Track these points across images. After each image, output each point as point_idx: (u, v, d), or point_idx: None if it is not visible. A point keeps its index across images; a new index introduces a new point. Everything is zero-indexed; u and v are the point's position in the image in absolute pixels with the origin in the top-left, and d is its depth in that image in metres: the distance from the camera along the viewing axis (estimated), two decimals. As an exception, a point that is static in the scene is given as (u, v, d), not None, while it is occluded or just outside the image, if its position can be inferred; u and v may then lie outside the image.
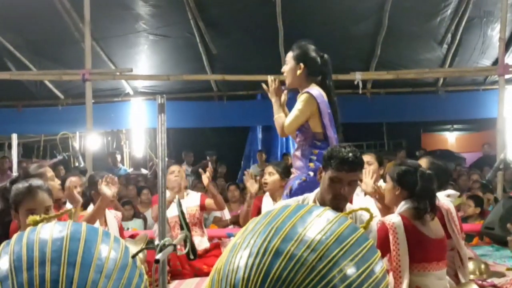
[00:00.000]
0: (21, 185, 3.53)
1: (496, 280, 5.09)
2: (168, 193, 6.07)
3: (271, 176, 5.73)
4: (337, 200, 3.30)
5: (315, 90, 4.36)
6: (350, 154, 3.27)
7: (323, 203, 3.31)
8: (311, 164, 4.23)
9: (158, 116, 2.74)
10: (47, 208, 3.46)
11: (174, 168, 6.30)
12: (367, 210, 2.50)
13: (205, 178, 6.04)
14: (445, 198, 4.48)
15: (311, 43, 4.62)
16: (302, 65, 4.48)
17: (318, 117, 4.33)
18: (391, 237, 3.52)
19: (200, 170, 6.57)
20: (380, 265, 2.24)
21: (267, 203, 5.76)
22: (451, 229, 4.32)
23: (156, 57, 11.38)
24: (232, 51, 10.86)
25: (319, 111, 4.32)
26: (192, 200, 6.21)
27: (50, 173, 4.71)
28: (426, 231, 3.67)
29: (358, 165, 3.34)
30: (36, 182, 3.58)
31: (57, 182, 4.90)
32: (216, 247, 5.95)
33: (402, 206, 3.77)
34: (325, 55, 4.56)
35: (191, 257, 2.69)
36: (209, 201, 6.15)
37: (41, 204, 3.45)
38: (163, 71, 11.13)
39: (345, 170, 3.27)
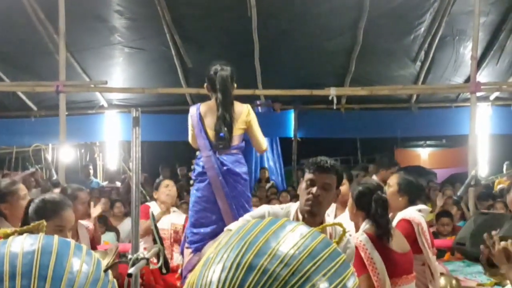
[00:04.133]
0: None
1: (467, 296, 5.15)
2: (156, 206, 6.13)
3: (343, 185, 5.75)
4: (309, 201, 3.34)
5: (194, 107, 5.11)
6: (324, 159, 3.39)
7: (301, 211, 3.38)
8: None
9: (133, 129, 2.73)
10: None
11: (168, 182, 6.37)
12: (340, 225, 2.51)
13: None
14: (416, 213, 4.52)
15: (221, 62, 5.13)
16: (205, 85, 5.14)
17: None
18: (363, 255, 3.52)
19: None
20: (352, 280, 2.24)
21: None
22: (422, 244, 4.35)
23: (131, 70, 11.35)
24: (208, 65, 10.84)
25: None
26: (178, 218, 6.24)
27: (23, 191, 4.52)
28: (392, 246, 3.70)
29: (330, 168, 3.38)
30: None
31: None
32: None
33: (365, 225, 3.81)
34: (220, 71, 4.99)
35: (164, 271, 2.68)
36: None
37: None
38: (138, 84, 11.10)
39: (317, 171, 3.35)
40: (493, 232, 3.24)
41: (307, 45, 10.43)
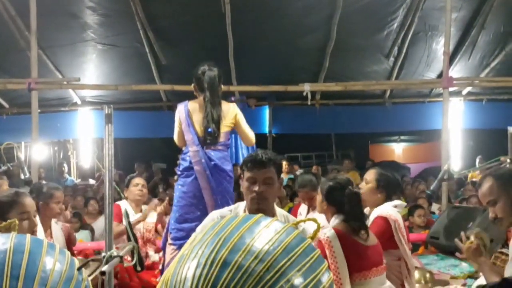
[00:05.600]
0: None
1: (440, 289, 5.21)
2: (127, 204, 6.03)
3: None
4: (255, 199, 3.37)
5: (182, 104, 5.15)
6: (259, 153, 3.43)
7: (250, 210, 3.41)
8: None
9: (105, 126, 2.72)
10: None
11: (138, 180, 6.25)
12: (315, 220, 2.52)
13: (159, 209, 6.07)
14: (393, 209, 4.53)
15: (208, 63, 5.16)
16: (193, 85, 5.18)
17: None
18: (327, 251, 3.51)
19: (157, 201, 6.57)
20: (327, 275, 2.25)
21: None
22: (399, 240, 4.37)
23: (105, 67, 11.25)
24: (182, 61, 10.81)
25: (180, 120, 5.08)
26: (150, 217, 6.15)
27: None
28: (360, 240, 3.70)
29: (268, 163, 3.40)
30: None
31: None
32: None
33: (334, 220, 3.80)
34: (207, 72, 5.06)
35: (138, 268, 2.67)
36: (160, 229, 6.16)
37: None
38: (111, 80, 11.00)
39: (256, 168, 3.38)
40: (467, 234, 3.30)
41: (281, 41, 10.44)
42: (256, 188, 3.36)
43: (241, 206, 3.57)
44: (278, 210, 3.59)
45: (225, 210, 3.67)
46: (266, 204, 3.41)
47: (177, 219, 4.96)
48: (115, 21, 10.12)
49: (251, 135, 5.24)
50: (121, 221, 5.62)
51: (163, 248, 5.17)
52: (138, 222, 5.91)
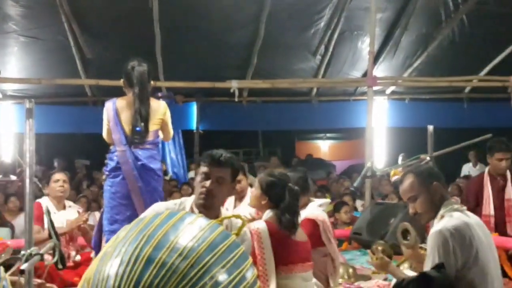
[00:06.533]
0: None
1: (362, 284, 5.32)
2: (48, 201, 5.77)
3: (240, 182, 5.41)
4: (203, 195, 3.34)
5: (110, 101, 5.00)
6: (220, 152, 3.41)
7: (196, 205, 3.38)
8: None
9: (26, 121, 2.65)
10: None
11: (59, 176, 5.89)
12: (239, 216, 2.53)
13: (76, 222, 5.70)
14: (319, 209, 4.57)
15: (137, 58, 5.08)
16: (122, 80, 5.07)
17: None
18: (255, 243, 3.55)
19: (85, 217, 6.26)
20: (251, 271, 2.27)
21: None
22: (327, 239, 4.41)
23: (27, 60, 10.93)
24: (108, 56, 10.65)
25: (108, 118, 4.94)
26: (73, 214, 5.85)
27: None
28: (290, 235, 3.75)
29: (224, 162, 3.39)
30: None
31: None
32: (88, 258, 5.77)
33: (268, 213, 3.84)
34: (137, 67, 4.97)
35: (60, 266, 2.61)
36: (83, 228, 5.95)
37: None
38: (34, 74, 10.69)
39: (212, 165, 3.37)
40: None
41: (209, 37, 10.41)
42: (207, 184, 3.34)
43: (188, 200, 3.52)
44: (224, 212, 3.55)
45: (170, 203, 3.62)
46: (212, 202, 3.37)
47: (108, 220, 4.87)
48: (38, 13, 9.85)
49: (171, 135, 5.27)
50: (42, 223, 5.43)
51: (95, 249, 5.06)
52: (64, 233, 5.65)
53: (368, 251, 3.79)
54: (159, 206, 3.52)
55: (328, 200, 5.03)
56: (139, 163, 4.83)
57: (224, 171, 3.39)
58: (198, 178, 3.42)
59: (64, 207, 5.88)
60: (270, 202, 3.87)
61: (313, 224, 4.39)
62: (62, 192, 5.83)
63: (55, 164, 11.73)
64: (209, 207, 3.29)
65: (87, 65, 10.97)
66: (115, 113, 4.88)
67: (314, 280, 3.90)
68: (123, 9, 9.69)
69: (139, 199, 4.78)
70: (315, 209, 4.53)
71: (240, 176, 5.41)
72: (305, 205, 4.57)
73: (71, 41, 10.26)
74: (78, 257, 5.82)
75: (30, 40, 10.29)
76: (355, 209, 8.80)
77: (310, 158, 15.60)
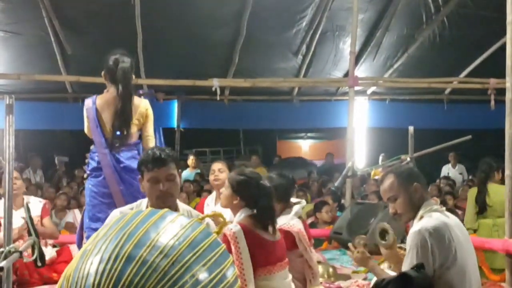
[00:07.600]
0: None
1: (342, 283, 5.34)
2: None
3: (222, 173, 5.45)
4: (161, 198, 3.33)
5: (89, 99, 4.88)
6: (157, 151, 3.39)
7: (153, 206, 3.30)
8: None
9: (6, 117, 2.63)
10: None
11: (15, 174, 5.81)
12: (221, 215, 2.53)
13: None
14: (293, 218, 4.43)
15: (120, 51, 4.97)
16: (103, 73, 4.94)
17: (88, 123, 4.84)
18: (232, 247, 3.47)
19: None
20: (232, 270, 2.28)
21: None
22: (304, 249, 4.34)
23: (6, 55, 10.79)
24: (89, 52, 10.54)
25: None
26: (33, 209, 5.62)
27: None
28: (266, 236, 3.68)
29: (168, 160, 3.37)
30: None
31: None
32: (65, 253, 5.72)
33: (241, 214, 3.74)
34: (120, 64, 4.84)
35: (39, 264, 2.58)
36: (46, 222, 5.87)
37: None
38: (13, 69, 10.57)
39: (157, 167, 3.34)
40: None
41: (191, 34, 10.37)
42: (160, 187, 3.32)
43: (143, 202, 3.51)
44: (181, 205, 3.55)
45: (126, 208, 3.59)
46: (172, 201, 3.39)
47: (90, 218, 4.82)
48: (18, 8, 9.72)
49: (152, 138, 4.98)
50: None
51: (79, 246, 5.00)
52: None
53: (350, 244, 3.78)
54: (115, 213, 3.51)
55: (304, 203, 4.84)
56: (121, 165, 4.76)
57: (171, 168, 3.38)
58: (147, 185, 3.37)
59: (22, 205, 5.65)
60: (242, 202, 3.76)
61: (287, 235, 4.22)
62: (16, 190, 5.59)
63: (28, 160, 11.56)
64: (171, 206, 3.24)
65: (68, 61, 10.86)
66: (95, 113, 4.78)
67: (290, 277, 3.87)
68: (105, 5, 9.60)
69: (120, 201, 4.72)
70: (289, 219, 4.40)
71: (224, 168, 5.42)
72: (283, 210, 4.48)
73: (51, 36, 10.16)
74: (53, 253, 5.77)
75: (10, 35, 10.15)
76: (340, 208, 8.77)
77: (291, 157, 15.66)
